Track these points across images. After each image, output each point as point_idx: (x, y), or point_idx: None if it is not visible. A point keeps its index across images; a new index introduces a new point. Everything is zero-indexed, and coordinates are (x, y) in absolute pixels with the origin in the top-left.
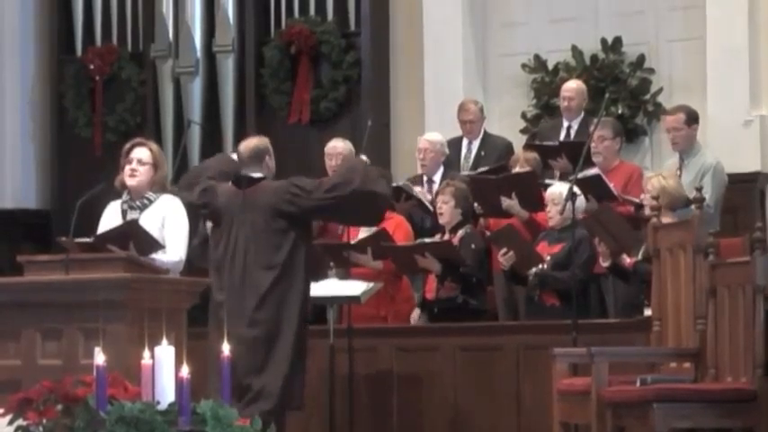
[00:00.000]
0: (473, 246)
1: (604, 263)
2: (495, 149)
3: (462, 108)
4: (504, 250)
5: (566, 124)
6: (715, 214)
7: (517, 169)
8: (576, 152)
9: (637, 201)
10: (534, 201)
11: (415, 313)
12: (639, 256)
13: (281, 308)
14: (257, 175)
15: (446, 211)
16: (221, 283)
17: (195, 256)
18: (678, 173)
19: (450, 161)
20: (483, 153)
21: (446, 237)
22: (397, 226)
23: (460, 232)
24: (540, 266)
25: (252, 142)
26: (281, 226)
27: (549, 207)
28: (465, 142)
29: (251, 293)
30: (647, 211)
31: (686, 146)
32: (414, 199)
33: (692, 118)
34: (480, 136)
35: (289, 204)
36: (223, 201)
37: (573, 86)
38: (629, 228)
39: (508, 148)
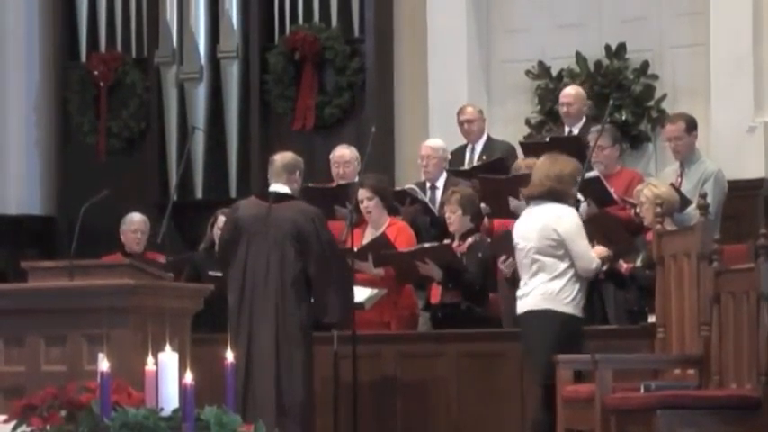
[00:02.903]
0: (480, 254)
1: (602, 267)
2: (498, 153)
3: (460, 111)
4: (503, 257)
5: (567, 130)
6: (716, 221)
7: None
8: (571, 148)
9: (635, 202)
10: None
11: (423, 319)
12: (639, 263)
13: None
14: (286, 191)
15: (455, 220)
16: (241, 293)
17: (201, 262)
18: (678, 180)
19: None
20: (485, 157)
21: (455, 244)
22: (400, 232)
23: (470, 240)
24: None
25: (289, 155)
26: (296, 245)
27: None
28: (469, 148)
29: (269, 303)
30: (645, 222)
31: (688, 154)
32: (419, 203)
33: (692, 125)
34: (483, 141)
35: (308, 229)
36: (244, 213)
37: (571, 92)
38: (627, 234)
39: (510, 151)
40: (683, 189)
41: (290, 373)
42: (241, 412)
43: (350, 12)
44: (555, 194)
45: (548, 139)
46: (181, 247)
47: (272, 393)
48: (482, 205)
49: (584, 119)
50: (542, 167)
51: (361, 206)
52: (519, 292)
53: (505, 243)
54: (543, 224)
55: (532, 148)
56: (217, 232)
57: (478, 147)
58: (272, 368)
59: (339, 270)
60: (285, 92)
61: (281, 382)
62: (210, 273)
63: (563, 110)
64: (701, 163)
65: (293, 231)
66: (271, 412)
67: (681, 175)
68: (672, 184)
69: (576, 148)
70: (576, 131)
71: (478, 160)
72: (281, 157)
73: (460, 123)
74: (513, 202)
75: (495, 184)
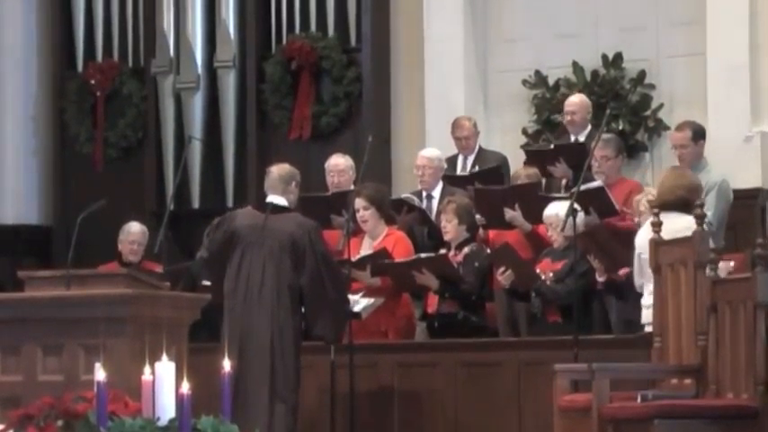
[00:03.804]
0: (476, 264)
1: (600, 278)
2: (490, 163)
3: (456, 125)
4: (502, 269)
5: (573, 138)
6: (719, 231)
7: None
8: (575, 156)
9: (634, 212)
10: (537, 213)
11: (420, 328)
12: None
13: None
14: (283, 202)
15: (451, 229)
16: (234, 301)
17: (198, 270)
18: None
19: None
20: (478, 167)
21: (452, 253)
22: (397, 241)
23: (466, 249)
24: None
25: (285, 166)
26: (291, 257)
27: (549, 231)
28: (460, 158)
29: (264, 312)
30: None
31: (693, 162)
32: (416, 212)
33: (699, 134)
34: (475, 151)
35: (303, 242)
36: (240, 222)
37: (576, 100)
38: (623, 248)
39: (503, 161)
40: None
41: (285, 381)
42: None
43: (347, 21)
44: (685, 204)
45: (552, 146)
46: (177, 257)
47: (265, 402)
48: (477, 216)
49: (589, 127)
50: (671, 178)
51: (357, 215)
52: (644, 302)
53: (505, 255)
54: (674, 234)
55: (537, 155)
56: None
57: (471, 157)
58: (266, 376)
59: (333, 286)
60: (282, 101)
61: (274, 390)
62: (204, 282)
63: (567, 118)
64: (706, 172)
65: (289, 243)
66: (264, 420)
67: None
68: None
69: (581, 154)
70: (582, 140)
71: (471, 170)
72: (278, 169)
73: (456, 138)
74: (508, 213)
75: (490, 195)
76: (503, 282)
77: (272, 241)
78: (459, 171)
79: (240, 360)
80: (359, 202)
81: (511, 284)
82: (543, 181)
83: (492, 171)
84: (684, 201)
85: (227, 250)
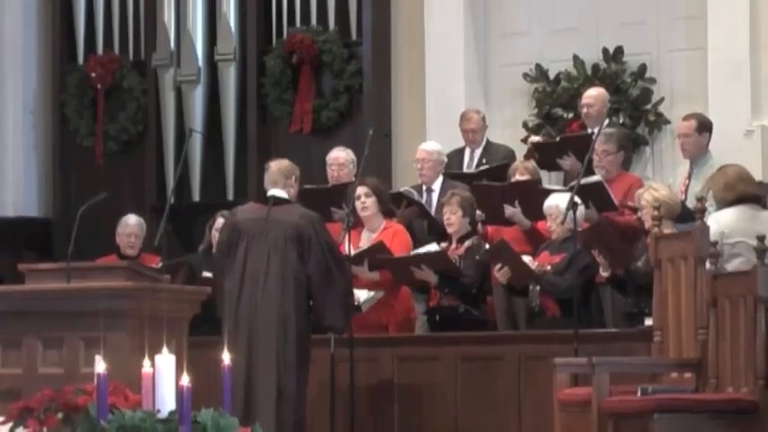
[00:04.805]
0: (477, 257)
1: (604, 272)
2: (498, 157)
3: (464, 117)
4: (498, 266)
5: (590, 131)
6: None
7: (516, 178)
8: (583, 148)
9: (637, 206)
10: (537, 209)
11: (420, 322)
12: (639, 264)
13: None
14: (284, 195)
15: (455, 221)
16: (239, 294)
17: (198, 263)
18: (687, 181)
19: (453, 171)
20: (485, 161)
21: (453, 246)
22: (395, 234)
23: (467, 242)
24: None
25: (285, 161)
26: (296, 248)
27: (549, 222)
28: (467, 151)
29: (269, 302)
30: (646, 226)
31: (695, 153)
32: (415, 205)
33: (704, 126)
34: (483, 145)
35: (308, 232)
36: (243, 216)
37: (593, 93)
38: (625, 245)
39: (510, 156)
40: (691, 190)
41: (287, 374)
42: (243, 417)
43: (347, 15)
44: (759, 197)
45: (558, 138)
46: (178, 250)
47: (273, 396)
48: (477, 212)
49: (607, 120)
50: (746, 173)
51: (358, 202)
52: None
53: (501, 251)
54: None
55: (544, 148)
56: (215, 234)
57: (478, 150)
58: (273, 368)
59: (340, 276)
60: (282, 95)
61: (282, 384)
62: (204, 275)
63: (583, 110)
64: (709, 166)
65: (293, 235)
66: (271, 416)
67: (689, 177)
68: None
69: (586, 145)
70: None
71: (478, 164)
72: (277, 164)
73: (465, 131)
74: (508, 210)
75: (489, 191)
76: (499, 278)
77: (277, 232)
78: (465, 164)
79: (248, 353)
80: (361, 189)
81: (508, 281)
82: (554, 174)
83: (500, 168)
84: (762, 195)
85: (231, 245)
